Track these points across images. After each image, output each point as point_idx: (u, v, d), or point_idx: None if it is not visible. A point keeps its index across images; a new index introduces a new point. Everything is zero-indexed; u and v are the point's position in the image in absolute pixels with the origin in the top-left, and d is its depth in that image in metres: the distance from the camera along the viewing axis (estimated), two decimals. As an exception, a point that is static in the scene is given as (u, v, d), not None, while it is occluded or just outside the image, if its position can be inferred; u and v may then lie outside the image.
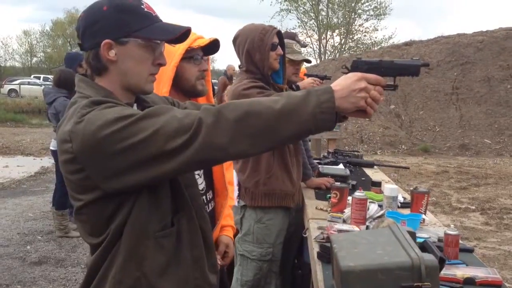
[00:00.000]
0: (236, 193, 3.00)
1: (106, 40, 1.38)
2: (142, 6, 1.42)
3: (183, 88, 1.97)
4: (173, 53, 1.90)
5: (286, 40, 3.21)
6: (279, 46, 2.92)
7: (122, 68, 1.41)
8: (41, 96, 6.61)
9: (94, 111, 1.30)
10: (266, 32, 2.86)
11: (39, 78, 36.86)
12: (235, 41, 2.97)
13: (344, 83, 1.34)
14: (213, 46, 1.97)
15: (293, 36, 4.22)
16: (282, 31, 3.07)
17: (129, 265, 1.38)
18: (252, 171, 2.95)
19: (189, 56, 1.94)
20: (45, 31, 55.25)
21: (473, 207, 7.55)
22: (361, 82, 1.34)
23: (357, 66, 1.47)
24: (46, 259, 5.00)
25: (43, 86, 25.10)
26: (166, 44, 1.71)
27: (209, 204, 2.06)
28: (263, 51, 2.85)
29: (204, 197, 2.01)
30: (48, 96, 5.47)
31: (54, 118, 5.37)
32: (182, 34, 1.43)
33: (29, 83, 31.99)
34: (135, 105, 1.51)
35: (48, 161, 10.42)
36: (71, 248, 5.34)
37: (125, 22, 1.39)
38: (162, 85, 1.92)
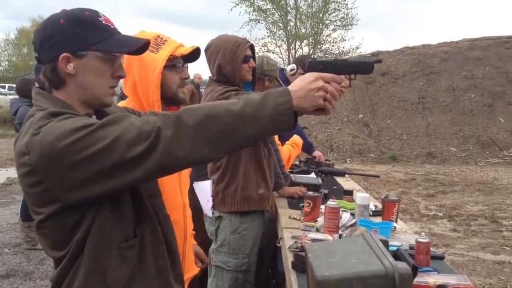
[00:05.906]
0: (210, 204, 2.98)
1: (64, 54, 1.36)
2: (100, 19, 1.41)
3: (165, 96, 1.96)
4: (155, 60, 1.89)
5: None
6: (251, 59, 2.95)
7: (81, 82, 1.40)
8: (6, 105, 6.51)
9: (52, 122, 1.28)
10: (240, 45, 2.89)
11: (4, 87, 35.90)
12: (207, 50, 2.98)
13: (301, 84, 1.36)
14: (193, 54, 1.97)
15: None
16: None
17: (93, 277, 1.36)
18: (231, 177, 2.95)
19: (171, 64, 1.93)
20: (9, 39, 54.15)
21: (441, 214, 7.68)
22: (318, 82, 1.37)
23: (313, 66, 1.50)
24: (14, 272, 4.89)
25: (8, 96, 24.50)
26: (148, 52, 1.69)
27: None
28: (234, 63, 2.87)
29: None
30: (13, 106, 5.40)
31: (19, 128, 5.27)
32: (141, 46, 1.43)
33: (-7, 93, 31.16)
34: (93, 116, 1.49)
35: (14, 172, 10.15)
36: (39, 260, 5.22)
37: (82, 35, 1.37)
38: (151, 94, 1.90)
